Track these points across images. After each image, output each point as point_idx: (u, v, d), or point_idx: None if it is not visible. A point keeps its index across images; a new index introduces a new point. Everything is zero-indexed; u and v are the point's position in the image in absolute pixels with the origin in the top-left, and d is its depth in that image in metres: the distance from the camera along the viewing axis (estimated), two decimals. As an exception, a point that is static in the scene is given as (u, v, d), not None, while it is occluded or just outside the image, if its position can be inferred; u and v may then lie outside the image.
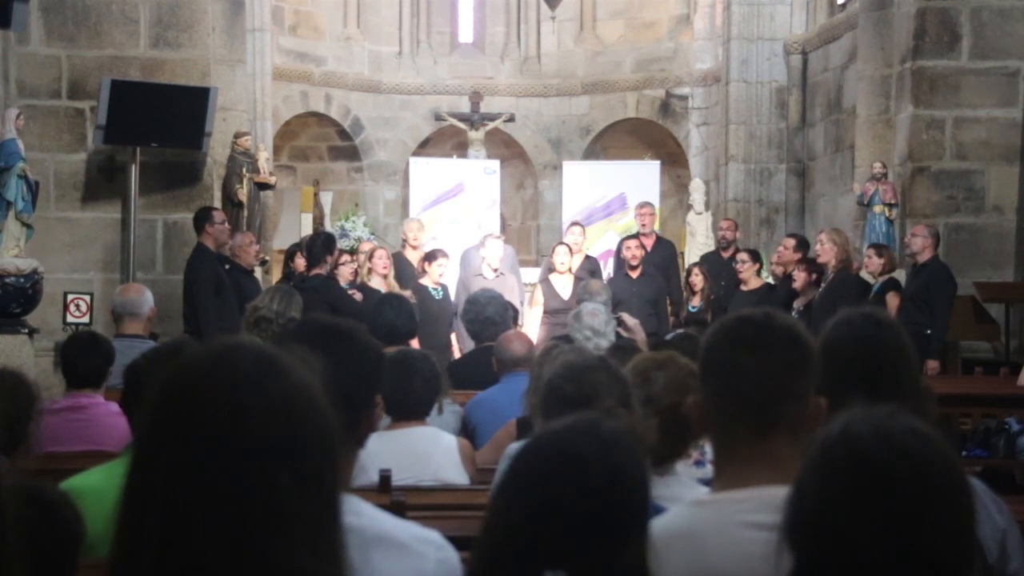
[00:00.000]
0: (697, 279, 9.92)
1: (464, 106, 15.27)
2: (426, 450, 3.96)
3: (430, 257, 9.28)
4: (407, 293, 8.45)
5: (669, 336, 4.98)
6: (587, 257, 10.32)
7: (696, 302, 9.87)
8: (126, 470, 1.23)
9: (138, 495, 1.21)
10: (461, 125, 15.00)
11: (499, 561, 1.51)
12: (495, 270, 9.33)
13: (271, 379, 1.24)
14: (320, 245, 8.73)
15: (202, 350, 1.29)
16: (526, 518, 1.50)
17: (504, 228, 14.32)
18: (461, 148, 15.10)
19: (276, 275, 11.09)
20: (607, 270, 11.55)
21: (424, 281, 9.12)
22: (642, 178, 13.95)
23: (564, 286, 9.32)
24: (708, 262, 10.54)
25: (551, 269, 9.55)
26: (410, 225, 10.59)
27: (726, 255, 10.62)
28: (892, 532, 1.32)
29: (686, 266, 11.51)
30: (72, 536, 2.18)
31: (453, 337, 9.06)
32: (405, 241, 10.35)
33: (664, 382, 2.64)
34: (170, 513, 1.17)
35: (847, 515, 1.33)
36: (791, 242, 9.48)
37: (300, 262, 9.00)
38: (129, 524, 1.20)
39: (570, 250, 9.60)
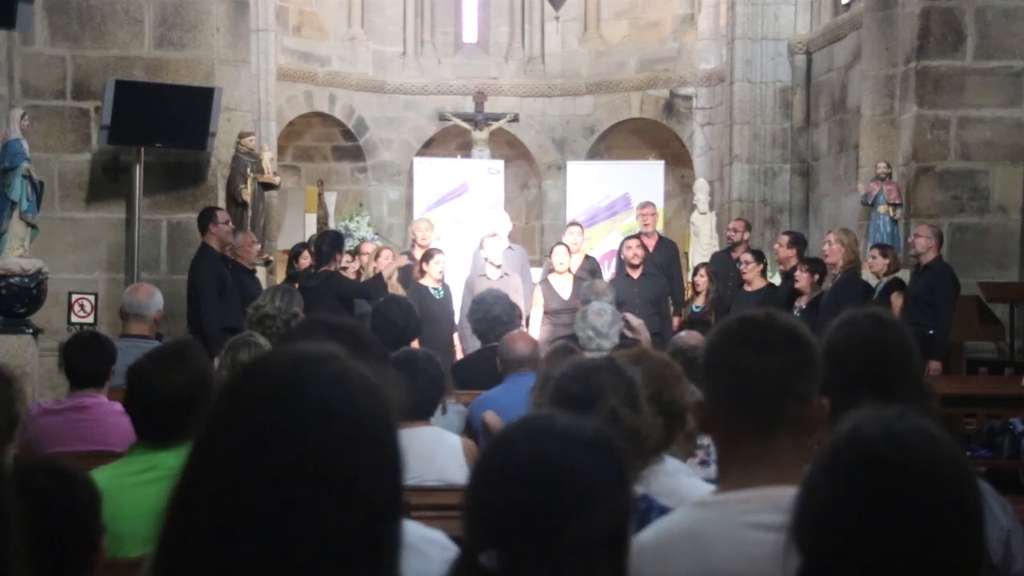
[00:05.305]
0: (701, 280, 9.91)
1: (468, 106, 15.28)
2: (430, 450, 3.95)
3: (427, 256, 9.26)
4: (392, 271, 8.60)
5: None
6: (587, 257, 10.28)
7: (700, 302, 9.87)
8: (182, 467, 1.18)
9: (187, 496, 1.17)
10: (465, 125, 15.01)
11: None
12: (498, 267, 9.31)
13: (340, 400, 1.17)
14: (328, 243, 8.75)
15: (276, 357, 1.23)
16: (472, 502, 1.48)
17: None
18: (465, 148, 15.10)
19: (280, 275, 11.06)
20: (610, 270, 11.53)
21: (425, 281, 9.10)
22: (646, 178, 13.95)
23: (564, 286, 9.31)
24: (717, 262, 10.51)
25: (551, 269, 9.54)
26: (419, 224, 10.55)
27: (736, 255, 10.59)
28: (901, 533, 1.31)
29: (690, 266, 11.49)
30: (89, 506, 2.17)
31: (456, 337, 9.05)
32: (414, 241, 10.33)
33: (642, 375, 2.64)
34: (216, 520, 1.13)
35: (856, 516, 1.32)
36: (785, 239, 9.53)
37: (304, 261, 9.00)
38: (176, 525, 1.17)
39: (568, 250, 9.59)
